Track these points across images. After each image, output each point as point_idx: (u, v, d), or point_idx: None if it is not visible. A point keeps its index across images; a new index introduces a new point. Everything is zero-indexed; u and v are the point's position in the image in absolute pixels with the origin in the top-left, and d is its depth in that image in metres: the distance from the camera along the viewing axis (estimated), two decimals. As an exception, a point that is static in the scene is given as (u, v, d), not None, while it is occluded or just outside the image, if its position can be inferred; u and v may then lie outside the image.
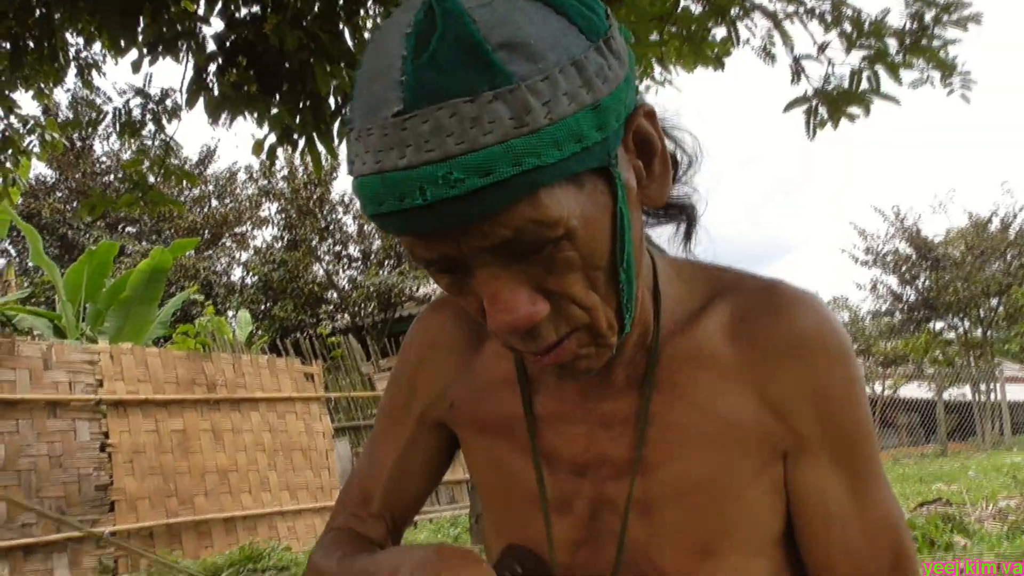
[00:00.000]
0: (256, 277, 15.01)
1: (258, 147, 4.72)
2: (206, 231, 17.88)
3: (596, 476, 0.74)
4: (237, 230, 18.69)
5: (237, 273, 17.58)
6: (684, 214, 0.75)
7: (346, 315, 14.86)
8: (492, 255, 0.58)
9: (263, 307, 14.96)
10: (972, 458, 13.13)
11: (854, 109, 3.71)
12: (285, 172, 15.39)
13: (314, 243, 15.33)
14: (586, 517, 0.75)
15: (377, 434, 0.90)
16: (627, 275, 0.62)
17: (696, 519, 0.71)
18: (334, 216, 16.05)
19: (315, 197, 15.48)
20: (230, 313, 12.22)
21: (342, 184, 15.82)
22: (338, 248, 16.18)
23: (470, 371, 0.82)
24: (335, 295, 15.35)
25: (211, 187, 19.26)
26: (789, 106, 3.81)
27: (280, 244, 16.15)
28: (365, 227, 16.00)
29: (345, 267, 16.27)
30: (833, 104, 3.71)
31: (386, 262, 15.76)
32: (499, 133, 0.52)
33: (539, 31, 0.55)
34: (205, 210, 18.73)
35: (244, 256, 17.98)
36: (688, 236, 0.77)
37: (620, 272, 0.62)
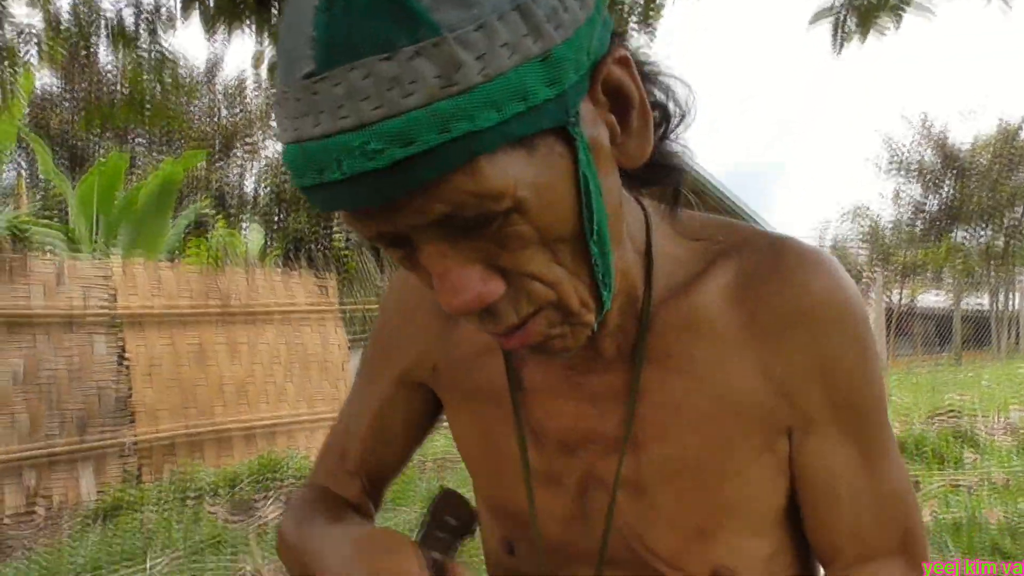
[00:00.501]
0: (269, 188, 14.92)
1: (258, 59, 4.57)
2: (216, 141, 17.70)
3: (585, 453, 0.70)
4: (248, 140, 18.49)
5: (250, 184, 17.48)
6: (672, 175, 0.65)
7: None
8: (435, 231, 0.51)
9: (277, 218, 14.93)
10: (986, 367, 13.13)
11: (884, 21, 3.48)
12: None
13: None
14: (576, 493, 0.71)
15: (355, 391, 0.86)
16: (599, 246, 0.54)
17: (691, 501, 0.67)
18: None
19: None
20: (244, 225, 12.18)
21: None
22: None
23: (455, 334, 0.76)
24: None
25: (220, 96, 18.94)
26: (815, 18, 3.59)
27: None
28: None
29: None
30: (863, 15, 3.48)
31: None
32: (422, 95, 0.45)
33: None
34: (215, 120, 18.49)
35: (257, 167, 17.83)
36: (676, 199, 0.67)
37: (590, 243, 0.54)
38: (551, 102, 0.48)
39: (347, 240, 14.51)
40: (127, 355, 7.17)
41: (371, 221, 0.50)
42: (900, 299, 19.65)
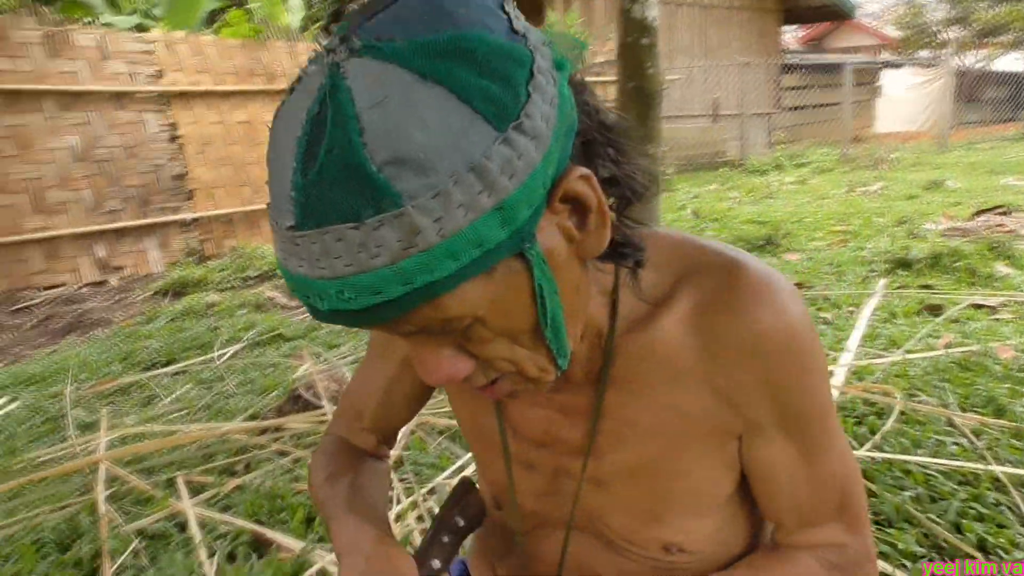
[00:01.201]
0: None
1: None
2: None
3: (555, 451, 0.83)
4: None
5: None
6: (632, 254, 0.70)
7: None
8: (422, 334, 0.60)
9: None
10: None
11: None
12: None
13: None
14: (548, 476, 0.85)
15: (367, 362, 0.99)
16: (553, 331, 0.63)
17: (644, 494, 0.80)
18: None
19: None
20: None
21: None
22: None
23: None
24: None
25: None
26: None
27: None
28: None
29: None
30: None
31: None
32: (387, 256, 0.51)
33: (432, 136, 0.50)
34: None
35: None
36: (635, 273, 0.73)
37: (545, 332, 0.62)
38: (505, 240, 0.54)
39: None
40: (179, 133, 7.29)
41: (362, 326, 0.59)
42: (975, 62, 18.29)
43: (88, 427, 3.21)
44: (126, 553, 2.16)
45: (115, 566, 2.11)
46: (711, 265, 0.74)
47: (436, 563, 0.80)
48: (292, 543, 2.12)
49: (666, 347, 0.73)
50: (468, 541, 1.01)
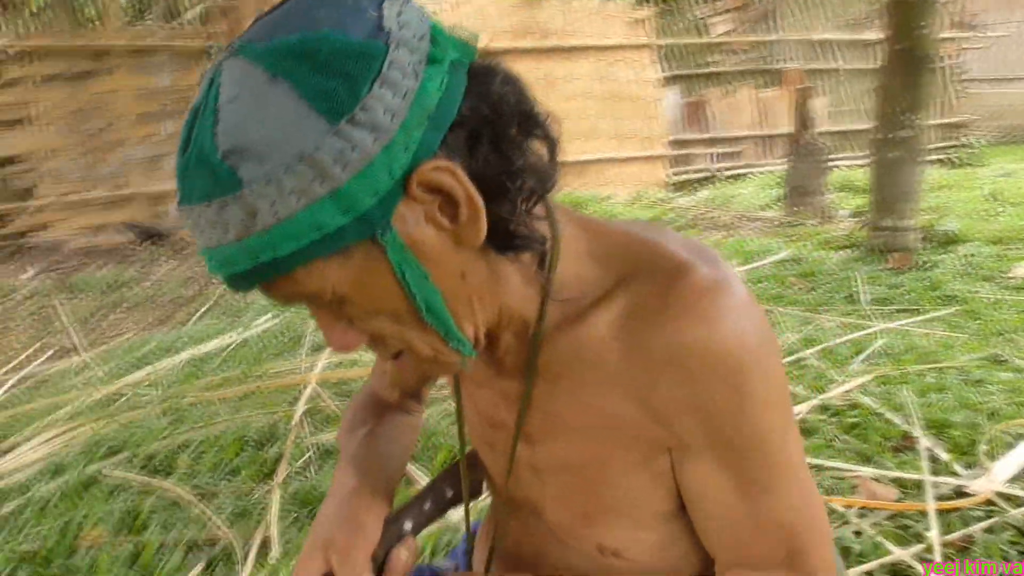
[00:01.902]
0: None
1: None
2: None
3: (501, 433, 0.84)
4: None
5: None
6: (534, 244, 0.69)
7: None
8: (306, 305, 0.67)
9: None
10: None
11: None
12: None
13: None
14: (504, 458, 0.85)
15: None
16: (434, 316, 0.66)
17: (575, 491, 0.80)
18: None
19: None
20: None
21: None
22: None
23: None
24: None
25: None
26: None
27: None
28: None
29: None
30: None
31: None
32: (234, 233, 0.59)
33: (269, 128, 0.56)
34: None
35: None
36: (542, 266, 0.73)
37: (425, 317, 0.66)
38: (349, 225, 0.59)
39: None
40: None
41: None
42: None
43: (319, 348, 3.72)
44: (300, 460, 2.55)
45: (289, 470, 2.50)
46: (655, 267, 0.71)
47: (407, 525, 0.83)
48: (424, 479, 2.35)
49: (594, 349, 0.72)
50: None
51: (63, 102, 6.46)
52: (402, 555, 0.81)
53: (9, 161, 6.46)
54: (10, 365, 4.16)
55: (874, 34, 8.73)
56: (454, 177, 0.61)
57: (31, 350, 4.43)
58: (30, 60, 6.33)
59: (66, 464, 2.62)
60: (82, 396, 3.32)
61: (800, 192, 6.64)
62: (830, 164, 6.89)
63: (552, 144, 0.68)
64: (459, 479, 0.91)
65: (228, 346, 3.94)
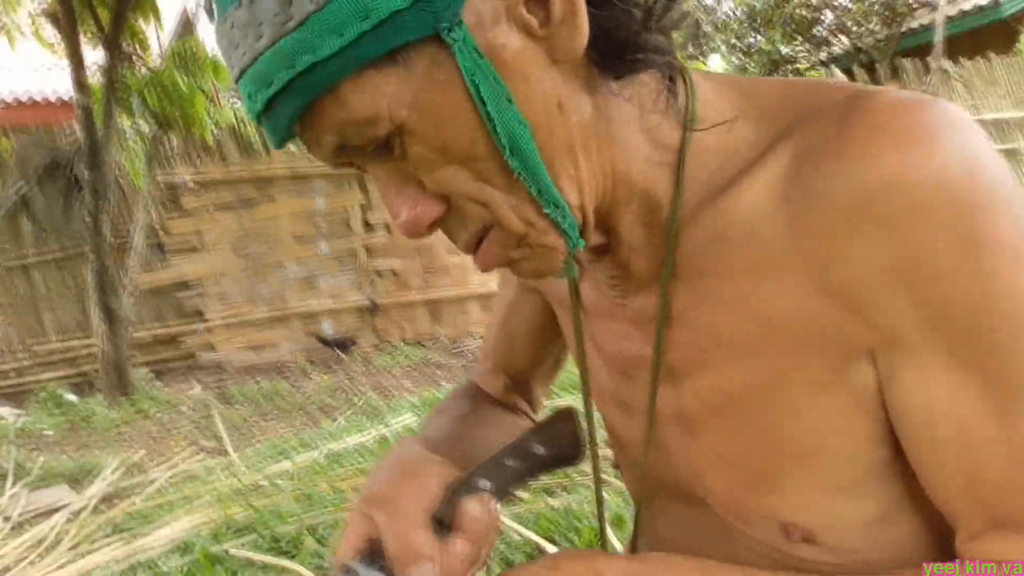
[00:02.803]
0: (740, 9, 14.21)
1: None
2: (693, -35, 17.32)
3: (639, 380, 0.64)
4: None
5: (727, 5, 16.88)
6: (650, 62, 0.54)
7: (843, 38, 13.31)
8: (361, 158, 0.52)
9: (748, 42, 14.25)
10: None
11: None
12: None
13: (802, -41, 13.68)
14: (646, 422, 0.65)
15: (497, 297, 0.91)
16: (519, 160, 0.50)
17: (742, 440, 0.58)
18: (824, -78, 13.95)
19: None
20: (714, 58, 11.94)
21: None
22: (830, -40, 14.20)
23: None
24: (829, 16, 13.76)
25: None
26: None
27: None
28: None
29: (840, -19, 14.27)
30: None
31: (888, -33, 13.34)
32: (268, 35, 0.46)
33: None
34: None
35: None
36: (670, 88, 0.56)
37: (508, 159, 0.49)
38: (406, 12, 0.45)
39: (828, 56, 13.24)
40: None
41: (310, 151, 0.53)
42: None
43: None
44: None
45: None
46: (824, 106, 0.52)
47: (485, 483, 0.62)
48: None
49: (749, 224, 0.53)
50: None
51: (231, 228, 7.01)
52: (473, 508, 0.57)
53: (184, 285, 7.02)
54: (165, 464, 4.32)
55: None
56: None
57: (185, 451, 4.61)
58: (204, 190, 6.97)
59: (195, 543, 2.58)
60: (222, 485, 3.33)
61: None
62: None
63: None
64: (554, 436, 0.68)
65: (366, 442, 3.89)
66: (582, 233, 0.55)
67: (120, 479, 4.04)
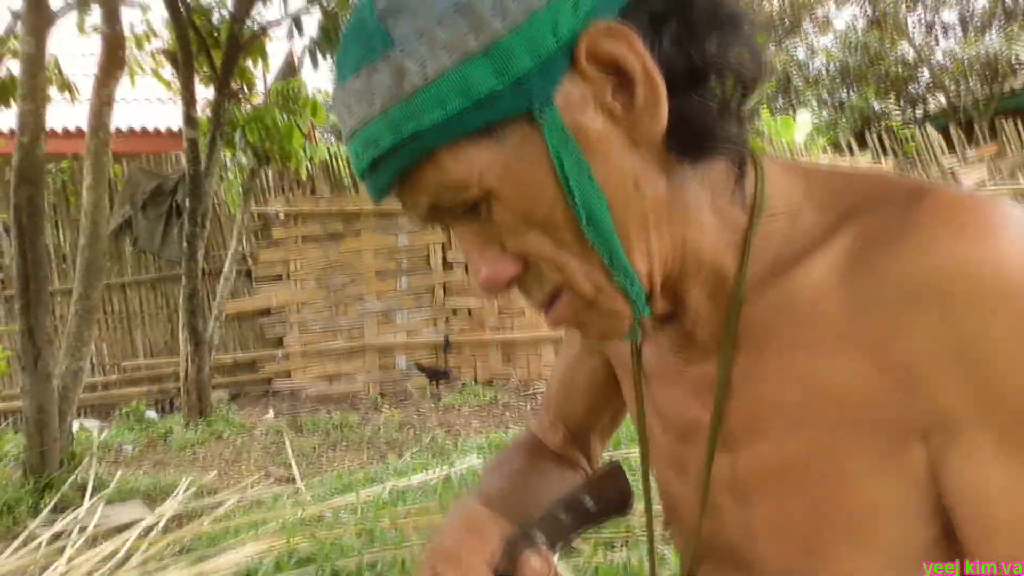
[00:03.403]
0: (833, 65, 14.02)
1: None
2: (785, 19, 17.22)
3: (696, 444, 0.66)
4: (818, 12, 17.50)
5: (820, 61, 16.69)
6: (720, 147, 0.56)
7: (940, 96, 12.94)
8: (453, 217, 0.57)
9: (840, 97, 14.02)
10: None
11: None
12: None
13: (900, 15, 13.45)
14: (700, 486, 0.67)
15: (561, 350, 0.94)
16: (595, 230, 0.54)
17: (795, 510, 0.59)
18: (925, -21, 13.71)
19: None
20: (802, 113, 11.78)
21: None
22: (930, 16, 13.90)
23: None
24: (926, 73, 13.42)
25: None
26: None
27: (861, 23, 14.64)
28: (963, -13, 13.32)
29: (939, 38, 13.95)
30: None
31: (992, 25, 12.97)
32: (380, 104, 0.52)
33: None
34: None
35: (824, 42, 16.84)
36: (740, 173, 0.59)
37: (585, 229, 0.54)
38: (503, 92, 0.50)
39: (924, 113, 12.88)
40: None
41: (404, 207, 0.58)
42: None
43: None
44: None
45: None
46: (887, 196, 0.54)
47: (540, 537, 0.67)
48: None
49: (809, 300, 0.55)
50: None
51: (316, 260, 7.24)
52: (532, 562, 0.62)
53: (267, 313, 7.26)
54: (235, 488, 4.42)
55: None
56: (630, 46, 0.51)
57: (255, 477, 4.72)
58: (294, 222, 7.23)
59: (258, 569, 2.62)
60: (287, 514, 3.39)
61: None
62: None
63: (754, 49, 0.56)
64: (604, 490, 0.72)
65: (430, 481, 3.90)
66: (649, 301, 0.58)
67: (191, 499, 4.16)
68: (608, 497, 0.71)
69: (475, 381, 7.23)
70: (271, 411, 6.72)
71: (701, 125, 0.55)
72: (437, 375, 7.02)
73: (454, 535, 0.65)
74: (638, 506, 0.80)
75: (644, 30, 0.52)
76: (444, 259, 7.41)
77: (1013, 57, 11.59)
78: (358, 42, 0.53)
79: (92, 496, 4.11)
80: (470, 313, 7.43)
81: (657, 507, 0.79)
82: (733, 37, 0.54)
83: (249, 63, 6.91)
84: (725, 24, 0.54)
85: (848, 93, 13.92)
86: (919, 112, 13.19)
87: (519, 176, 0.52)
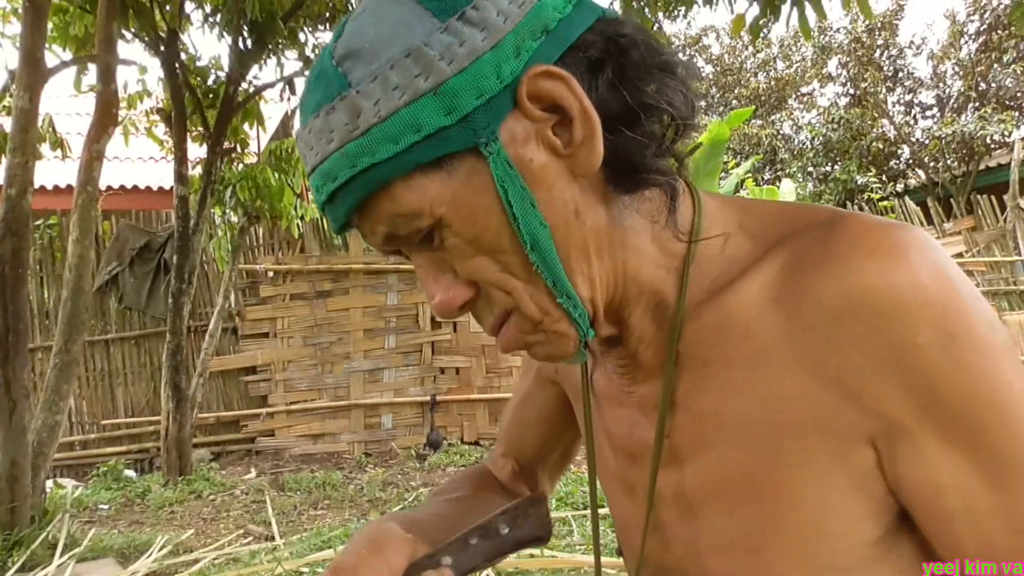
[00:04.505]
0: (817, 139, 14.39)
1: (739, 23, 4.54)
2: (772, 95, 17.74)
3: (644, 464, 0.69)
4: (803, 90, 18.05)
5: (804, 135, 17.13)
6: (651, 180, 0.61)
7: (920, 171, 13.26)
8: (407, 246, 0.61)
9: (824, 170, 14.34)
10: None
11: None
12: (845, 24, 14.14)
13: (880, 95, 13.89)
14: (647, 504, 0.69)
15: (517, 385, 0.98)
16: (539, 256, 0.58)
17: (742, 522, 0.61)
18: (902, 61, 14.22)
19: (879, 43, 13.93)
20: (785, 182, 12.03)
21: (909, 25, 13.79)
22: (908, 97, 14.37)
23: None
24: (906, 150, 13.78)
25: (775, 49, 18.89)
26: None
27: (844, 100, 15.10)
28: (939, 67, 13.81)
29: (918, 117, 14.38)
30: None
31: (967, 106, 13.40)
32: (337, 140, 0.57)
33: (380, 29, 0.56)
34: (771, 74, 18.52)
35: (808, 117, 17.32)
36: (671, 205, 0.64)
37: (529, 255, 0.58)
38: (451, 128, 0.55)
39: (905, 187, 13.16)
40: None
41: (364, 237, 0.62)
42: None
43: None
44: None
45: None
46: (808, 224, 0.60)
47: (446, 559, 0.69)
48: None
49: (746, 319, 0.59)
50: None
51: (304, 318, 7.21)
52: None
53: (253, 371, 7.19)
54: (213, 546, 4.30)
55: None
56: (568, 88, 0.56)
57: (234, 535, 4.59)
58: (282, 280, 7.24)
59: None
60: (264, 569, 3.29)
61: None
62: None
63: (686, 93, 0.60)
64: (521, 517, 0.72)
65: (413, 537, 3.81)
66: (592, 323, 0.62)
67: (166, 558, 4.03)
68: (524, 525, 0.72)
69: (461, 441, 7.13)
70: (253, 470, 6.58)
71: (635, 160, 0.59)
72: (432, 444, 6.96)
73: (357, 552, 0.66)
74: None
75: (582, 74, 0.57)
76: (432, 318, 7.40)
77: (988, 137, 11.94)
78: (319, 86, 0.58)
79: (63, 554, 3.98)
80: (458, 372, 7.38)
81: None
82: (666, 82, 0.59)
83: (244, 124, 7.03)
84: (658, 70, 0.59)
85: (832, 166, 14.24)
86: (899, 186, 13.48)
87: (468, 205, 0.57)
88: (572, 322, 0.61)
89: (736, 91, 17.98)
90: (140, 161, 10.08)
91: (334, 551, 3.53)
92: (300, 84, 6.76)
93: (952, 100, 13.95)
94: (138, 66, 6.95)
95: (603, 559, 0.75)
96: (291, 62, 6.30)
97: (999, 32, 12.93)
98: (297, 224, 6.99)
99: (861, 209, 9.17)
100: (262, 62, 6.55)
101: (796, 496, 0.58)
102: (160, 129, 7.37)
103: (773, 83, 17.97)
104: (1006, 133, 11.93)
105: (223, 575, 3.38)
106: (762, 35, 4.34)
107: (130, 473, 6.52)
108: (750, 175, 12.02)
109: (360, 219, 0.60)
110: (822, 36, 15.00)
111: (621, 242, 0.62)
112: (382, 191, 0.57)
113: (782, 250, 0.60)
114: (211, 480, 6.03)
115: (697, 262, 0.63)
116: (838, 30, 14.70)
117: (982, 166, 12.07)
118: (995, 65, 13.06)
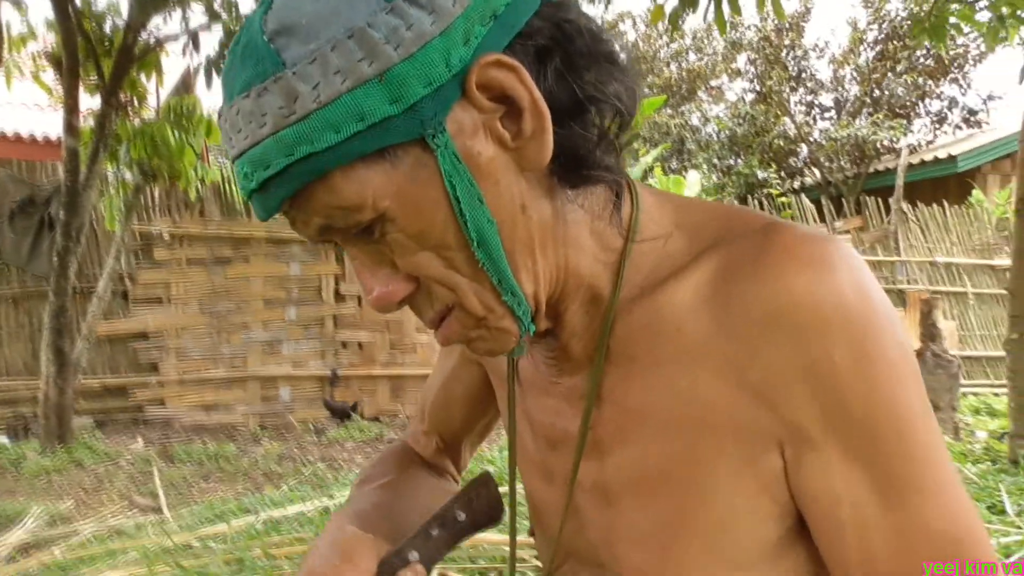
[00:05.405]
0: (723, 133, 14.83)
1: (658, 13, 4.61)
2: (683, 86, 18.12)
3: (564, 452, 0.70)
4: (713, 83, 18.53)
5: (711, 128, 17.63)
6: (598, 176, 0.60)
7: (816, 170, 13.89)
8: (344, 238, 0.57)
9: (728, 163, 14.81)
10: None
11: None
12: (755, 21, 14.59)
13: (785, 94, 14.42)
14: (566, 490, 0.71)
15: (437, 362, 0.97)
16: (485, 252, 0.56)
17: (655, 515, 0.63)
18: (806, 63, 14.79)
19: (786, 44, 14.44)
20: (692, 173, 12.39)
21: (815, 29, 14.34)
22: (809, 97, 14.98)
23: None
24: (804, 149, 14.40)
25: (688, 41, 19.29)
26: None
27: (751, 96, 15.60)
28: (838, 72, 14.47)
29: (817, 118, 15.03)
30: None
31: (862, 111, 14.09)
32: (271, 124, 0.52)
33: (318, 3, 0.52)
34: (683, 65, 18.91)
35: (716, 110, 17.83)
36: (615, 201, 0.63)
37: (475, 251, 0.56)
38: (397, 118, 0.51)
39: (802, 185, 13.77)
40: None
41: (295, 228, 0.58)
42: None
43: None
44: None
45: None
46: (745, 229, 0.61)
47: (413, 555, 0.70)
48: None
49: (676, 320, 0.60)
50: None
51: (200, 284, 6.95)
52: None
53: (143, 337, 6.88)
54: (94, 517, 4.12)
55: (1003, 260, 8.40)
56: (519, 78, 0.54)
57: (117, 506, 4.41)
58: (179, 244, 6.93)
59: (113, 599, 2.43)
60: (150, 543, 3.17)
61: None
62: (961, 382, 6.34)
63: (629, 85, 0.60)
64: (474, 501, 0.74)
65: (306, 511, 3.76)
66: (534, 319, 0.62)
67: (42, 529, 3.84)
68: (479, 508, 0.73)
69: (361, 416, 7.06)
70: (140, 440, 6.32)
71: (582, 154, 0.58)
72: (344, 413, 6.82)
73: (326, 562, 0.65)
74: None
75: (531, 63, 0.55)
76: (337, 291, 7.27)
77: (878, 142, 12.61)
78: (247, 62, 0.53)
79: (-76, 524, 3.73)
80: (360, 347, 7.29)
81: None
82: (611, 73, 0.58)
83: (142, 76, 6.65)
84: (603, 60, 0.58)
85: (736, 160, 14.73)
86: (797, 183, 14.08)
87: (413, 199, 0.54)
88: (515, 319, 0.60)
89: (648, 79, 18.27)
90: (24, 107, 9.42)
91: (227, 525, 3.44)
92: (205, 40, 6.42)
93: (849, 104, 14.64)
94: (19, 5, 6.45)
95: (517, 539, 0.77)
96: (197, 15, 5.96)
97: (895, 42, 13.63)
98: (197, 186, 6.70)
99: (760, 204, 9.55)
100: (166, 13, 6.20)
101: (707, 495, 0.60)
102: (49, 75, 6.89)
103: (685, 74, 18.37)
104: (895, 139, 12.63)
105: (106, 547, 3.23)
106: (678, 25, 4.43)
107: (2, 439, 6.15)
108: (658, 163, 12.29)
109: (293, 209, 0.56)
110: (734, 32, 15.41)
111: (563, 237, 0.61)
112: (320, 181, 0.53)
113: (716, 253, 0.60)
114: (94, 449, 5.76)
115: (633, 258, 0.64)
116: (749, 27, 15.14)
117: (872, 169, 12.75)
118: (889, 73, 13.78)
